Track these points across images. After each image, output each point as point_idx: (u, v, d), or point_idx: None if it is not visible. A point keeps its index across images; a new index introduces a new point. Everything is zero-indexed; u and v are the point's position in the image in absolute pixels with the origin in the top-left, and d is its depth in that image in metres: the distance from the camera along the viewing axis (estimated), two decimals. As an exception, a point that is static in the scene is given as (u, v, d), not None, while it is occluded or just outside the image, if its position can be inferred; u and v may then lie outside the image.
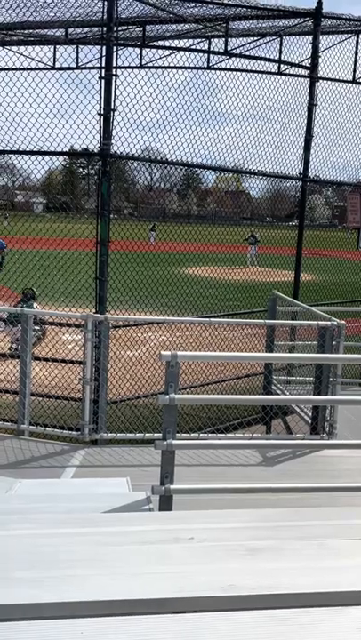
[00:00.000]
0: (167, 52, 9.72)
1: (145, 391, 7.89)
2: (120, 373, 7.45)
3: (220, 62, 9.24)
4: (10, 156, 7.58)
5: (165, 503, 4.38)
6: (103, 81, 6.55)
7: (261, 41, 9.30)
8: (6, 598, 1.86)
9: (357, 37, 9.70)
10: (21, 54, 9.04)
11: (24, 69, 8.25)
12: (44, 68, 9.59)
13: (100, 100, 6.57)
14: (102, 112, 6.58)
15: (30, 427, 6.66)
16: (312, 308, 7.50)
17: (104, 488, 4.75)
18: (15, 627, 1.76)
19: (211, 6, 8.22)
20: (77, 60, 9.99)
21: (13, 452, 6.24)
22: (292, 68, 9.14)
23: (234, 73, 8.79)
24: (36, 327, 8.21)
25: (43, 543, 2.30)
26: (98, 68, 7.39)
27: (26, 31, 9.61)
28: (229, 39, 9.05)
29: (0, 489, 4.55)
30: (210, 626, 1.81)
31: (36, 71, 8.74)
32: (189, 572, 2.08)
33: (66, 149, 7.41)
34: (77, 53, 10.00)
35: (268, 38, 9.26)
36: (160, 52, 9.88)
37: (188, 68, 9.23)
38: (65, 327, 7.95)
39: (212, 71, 9.14)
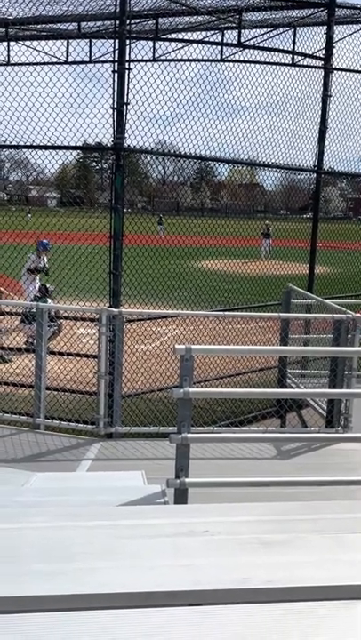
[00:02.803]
0: (180, 45, 9.69)
1: (159, 385, 7.91)
2: (134, 367, 7.47)
3: (234, 54, 9.19)
4: (24, 150, 7.60)
5: (180, 496, 4.39)
6: (116, 74, 6.54)
7: (275, 32, 9.24)
8: (22, 590, 1.88)
9: (372, 27, 9.60)
10: (34, 49, 9.06)
11: (37, 64, 8.29)
12: (56, 63, 9.62)
13: (114, 93, 6.56)
14: (115, 106, 6.57)
15: (46, 420, 6.70)
16: (327, 301, 7.46)
17: (119, 481, 4.78)
18: (31, 619, 1.78)
19: (224, -2, 8.19)
20: (90, 53, 10.00)
21: (29, 445, 6.29)
22: (306, 59, 9.07)
23: (247, 65, 8.75)
24: (52, 322, 8.25)
25: (58, 536, 2.32)
26: (111, 61, 7.38)
27: (39, 26, 9.62)
28: (243, 31, 9.00)
29: (16, 482, 4.59)
30: (225, 618, 1.82)
31: (49, 66, 8.78)
32: (204, 565, 2.08)
33: (79, 144, 7.42)
34: (90, 47, 10.01)
35: (281, 29, 9.20)
36: (173, 44, 9.86)
37: (202, 60, 9.20)
38: (79, 321, 7.98)
39: (226, 63, 9.10)
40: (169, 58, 9.72)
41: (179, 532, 2.34)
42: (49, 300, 10.81)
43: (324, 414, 6.85)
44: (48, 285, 11.40)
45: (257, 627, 1.78)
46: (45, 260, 11.81)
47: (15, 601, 1.85)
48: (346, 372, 6.49)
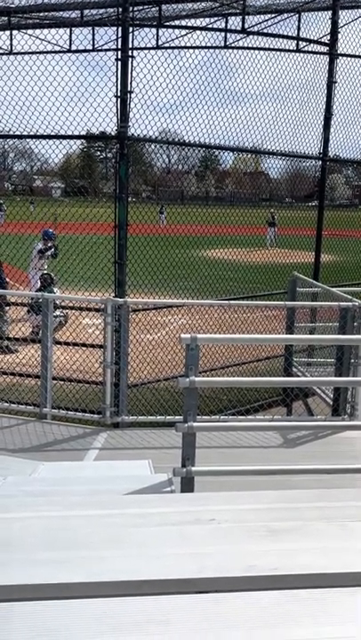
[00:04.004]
0: (184, 32, 9.61)
1: (165, 374, 7.92)
2: (140, 357, 7.47)
3: (238, 41, 9.10)
4: (27, 140, 7.57)
5: (187, 485, 4.40)
6: (119, 63, 6.50)
7: (279, 18, 9.14)
8: (30, 578, 1.89)
9: (378, 11, 9.49)
10: (37, 37, 9.00)
11: (40, 53, 8.21)
12: (59, 51, 9.54)
13: (117, 82, 6.52)
14: (119, 94, 6.53)
15: (52, 410, 6.72)
16: (333, 289, 7.44)
17: (126, 470, 4.80)
18: (38, 606, 1.79)
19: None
20: (93, 42, 9.92)
21: (36, 435, 6.31)
22: (311, 45, 8.98)
23: (252, 52, 8.67)
24: (57, 312, 8.26)
25: (66, 525, 2.33)
26: (114, 49, 7.32)
27: (41, 14, 9.55)
28: (247, 17, 8.91)
29: (23, 472, 4.61)
30: (231, 606, 1.83)
31: (52, 54, 8.71)
32: (211, 553, 2.09)
33: (83, 133, 7.38)
34: (93, 35, 9.92)
35: (286, 15, 9.10)
36: (177, 31, 9.77)
37: (205, 47, 9.13)
38: (85, 311, 7.99)
39: (230, 50, 9.01)
40: (172, 45, 9.64)
41: (185, 520, 2.35)
42: (55, 289, 10.82)
43: (331, 402, 6.85)
44: (52, 274, 11.43)
45: (263, 613, 1.79)
46: (53, 246, 11.84)
47: (22, 589, 1.86)
48: (352, 360, 6.48)
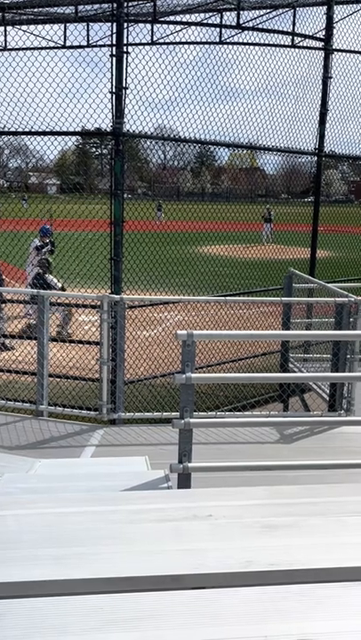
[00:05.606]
0: (178, 28, 9.59)
1: (162, 371, 7.92)
2: (137, 353, 7.47)
3: (233, 36, 9.09)
4: (22, 137, 7.54)
5: (184, 481, 4.40)
6: (114, 59, 6.48)
7: (274, 13, 9.13)
8: (26, 575, 1.89)
9: (373, 6, 9.48)
10: (31, 33, 8.97)
11: (34, 49, 8.20)
12: (54, 47, 9.52)
13: (112, 78, 6.50)
14: (114, 90, 6.51)
15: (49, 407, 6.72)
16: (329, 285, 7.44)
17: (123, 467, 4.80)
18: (33, 602, 1.79)
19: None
20: (88, 37, 9.90)
21: (33, 432, 6.31)
22: (306, 40, 8.97)
23: (247, 47, 8.65)
24: (54, 306, 8.24)
25: (63, 522, 2.33)
26: (109, 45, 7.31)
27: (35, 9, 9.51)
28: (242, 12, 8.89)
29: (20, 469, 4.61)
30: (228, 601, 1.83)
31: (47, 50, 8.69)
32: (208, 549, 2.10)
33: (78, 129, 7.36)
34: (88, 31, 9.91)
35: (281, 10, 9.09)
36: (171, 27, 9.75)
37: (200, 43, 9.11)
38: (81, 308, 7.98)
39: (225, 46, 9.00)
40: (167, 41, 9.62)
41: (182, 516, 2.35)
42: (51, 277, 10.81)
43: (327, 398, 6.86)
44: (50, 259, 11.41)
45: (260, 609, 1.80)
46: (50, 242, 11.83)
47: (20, 586, 1.86)
48: (348, 356, 6.49)
